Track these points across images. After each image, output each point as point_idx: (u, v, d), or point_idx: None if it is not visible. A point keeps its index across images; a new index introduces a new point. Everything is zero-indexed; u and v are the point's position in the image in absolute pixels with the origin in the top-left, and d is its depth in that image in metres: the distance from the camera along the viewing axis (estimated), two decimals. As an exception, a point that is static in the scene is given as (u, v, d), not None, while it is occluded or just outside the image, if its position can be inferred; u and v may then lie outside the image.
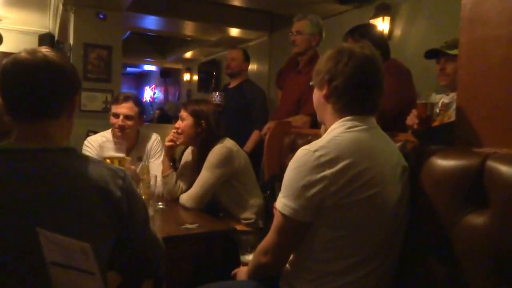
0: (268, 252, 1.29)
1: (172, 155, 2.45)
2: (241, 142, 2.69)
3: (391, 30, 3.84)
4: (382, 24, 3.84)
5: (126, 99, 2.40)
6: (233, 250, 2.10)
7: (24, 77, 1.03)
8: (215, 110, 2.38)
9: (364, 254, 1.23)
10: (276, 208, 1.27)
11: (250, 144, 3.36)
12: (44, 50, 1.08)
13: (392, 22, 3.85)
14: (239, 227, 2.18)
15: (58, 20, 5.70)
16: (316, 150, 1.20)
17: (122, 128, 2.37)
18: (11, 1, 5.98)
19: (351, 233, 1.22)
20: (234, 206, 2.29)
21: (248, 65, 3.77)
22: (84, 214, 1.04)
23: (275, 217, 1.29)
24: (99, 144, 2.23)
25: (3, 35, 7.45)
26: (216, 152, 2.23)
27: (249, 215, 2.28)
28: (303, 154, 1.22)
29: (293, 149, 2.14)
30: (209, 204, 2.27)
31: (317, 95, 1.37)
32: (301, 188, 1.19)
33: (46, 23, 6.89)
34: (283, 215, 1.23)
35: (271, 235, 1.29)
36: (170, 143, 2.35)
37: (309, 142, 1.74)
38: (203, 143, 2.29)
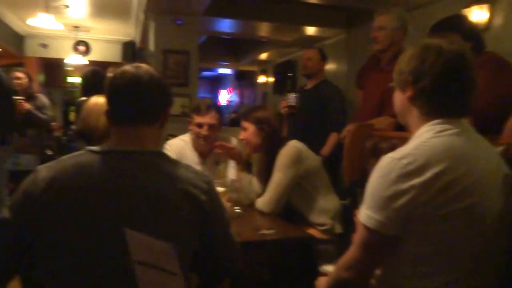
0: (351, 268, 1.21)
1: (246, 160, 2.43)
2: (318, 146, 2.60)
3: (490, 19, 3.44)
4: (479, 13, 3.45)
5: (209, 108, 2.42)
6: (310, 257, 2.03)
7: (131, 88, 1.14)
8: (275, 114, 2.35)
9: (461, 271, 1.12)
10: (358, 218, 1.19)
11: (328, 147, 3.25)
12: (145, 66, 1.19)
13: (491, 10, 3.45)
14: (315, 233, 2.11)
15: (140, 28, 5.98)
16: (402, 158, 1.11)
17: (206, 138, 2.40)
18: (98, 13, 6.40)
19: (445, 248, 1.11)
20: (308, 210, 2.23)
21: (325, 65, 3.66)
22: (171, 214, 1.08)
23: (358, 230, 1.20)
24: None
25: (91, 44, 8.02)
26: (285, 153, 2.20)
27: (324, 220, 2.20)
28: (388, 162, 1.13)
29: (376, 154, 2.01)
30: (284, 209, 2.22)
31: (400, 97, 1.28)
32: (386, 199, 1.10)
33: (129, 31, 7.29)
34: (366, 228, 1.14)
35: (354, 249, 1.21)
36: (225, 151, 2.38)
37: (393, 145, 1.61)
38: (269, 147, 2.26)
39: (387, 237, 1.12)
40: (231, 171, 2.40)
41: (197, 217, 1.12)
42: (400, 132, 1.92)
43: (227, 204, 1.93)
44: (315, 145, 2.35)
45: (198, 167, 2.43)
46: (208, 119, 2.39)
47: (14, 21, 6.80)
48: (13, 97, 3.85)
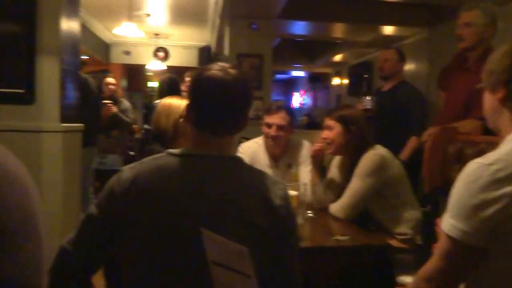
0: (432, 280, 1.13)
1: (320, 163, 2.38)
2: (395, 150, 2.48)
3: None
4: None
5: (278, 109, 2.41)
6: (386, 267, 1.94)
7: (217, 98, 1.11)
8: (363, 114, 2.24)
9: None
10: (440, 227, 1.11)
11: (406, 151, 3.10)
12: (232, 70, 1.14)
13: None
14: (393, 243, 2.00)
15: (215, 33, 6.15)
16: (492, 164, 1.01)
17: (275, 138, 2.39)
18: (177, 20, 6.68)
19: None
20: (387, 219, 2.12)
21: (403, 66, 3.50)
22: (246, 218, 1.08)
23: (440, 240, 1.12)
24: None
25: (170, 50, 8.38)
26: (367, 160, 2.10)
27: (404, 229, 2.09)
28: (476, 168, 1.04)
29: (460, 159, 1.88)
30: (360, 215, 2.14)
31: (490, 99, 1.18)
32: (473, 208, 1.01)
33: (205, 37, 7.52)
34: (450, 238, 1.06)
35: (436, 260, 1.12)
36: (316, 152, 2.29)
37: (480, 150, 1.49)
38: (354, 150, 2.17)
39: (472, 248, 1.03)
40: (305, 174, 2.37)
41: (272, 222, 1.11)
42: (488, 137, 1.77)
43: (299, 208, 1.91)
44: (393, 150, 2.23)
45: (270, 170, 2.43)
46: (277, 119, 2.38)
47: (101, 31, 7.31)
48: (101, 100, 4.14)
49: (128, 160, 4.93)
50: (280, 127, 2.38)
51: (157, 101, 4.12)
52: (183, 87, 4.70)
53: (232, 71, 1.14)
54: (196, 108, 1.14)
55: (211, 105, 1.12)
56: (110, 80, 4.67)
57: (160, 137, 2.02)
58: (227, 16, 4.92)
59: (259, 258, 1.06)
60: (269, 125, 2.41)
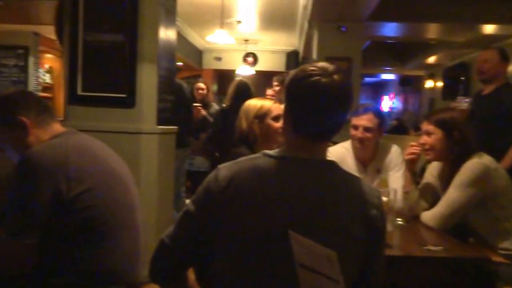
0: None
1: (413, 169, 2.27)
2: (495, 157, 2.29)
3: None
4: None
5: (366, 111, 2.34)
6: (484, 281, 1.79)
7: (320, 100, 1.08)
8: (465, 118, 2.08)
9: None
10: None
11: (508, 159, 2.85)
12: (337, 75, 1.08)
13: None
14: (495, 258, 1.84)
15: (303, 37, 6.16)
16: None
17: (361, 140, 2.33)
18: (266, 26, 6.81)
19: None
20: (489, 232, 1.95)
21: (507, 67, 3.22)
22: (338, 224, 1.06)
23: None
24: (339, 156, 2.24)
25: (258, 55, 8.56)
26: (469, 169, 1.94)
27: (508, 244, 1.91)
28: None
29: None
30: (457, 226, 2.00)
31: None
32: None
33: (293, 41, 7.57)
34: None
35: None
36: (411, 157, 2.18)
37: None
38: (456, 158, 2.02)
39: None
40: (395, 180, 2.28)
41: (367, 231, 1.08)
42: None
43: (388, 215, 1.84)
44: (493, 157, 2.06)
45: (358, 175, 2.36)
46: (363, 121, 2.31)
47: (195, 38, 7.69)
48: (193, 104, 4.35)
49: (215, 162, 5.10)
50: (367, 129, 2.31)
51: (224, 105, 4.25)
52: (271, 91, 4.78)
53: (336, 76, 1.08)
54: (297, 113, 1.11)
55: (314, 111, 1.09)
56: (200, 85, 4.89)
57: (244, 139, 2.06)
58: (316, 20, 4.91)
59: (348, 264, 1.04)
60: (356, 127, 2.35)
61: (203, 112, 4.61)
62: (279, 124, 2.05)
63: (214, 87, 9.20)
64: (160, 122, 2.92)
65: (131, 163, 1.70)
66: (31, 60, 7.06)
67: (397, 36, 6.37)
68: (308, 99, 1.09)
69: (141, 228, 1.60)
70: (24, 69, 7.06)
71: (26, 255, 1.35)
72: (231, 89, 4.16)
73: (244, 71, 8.23)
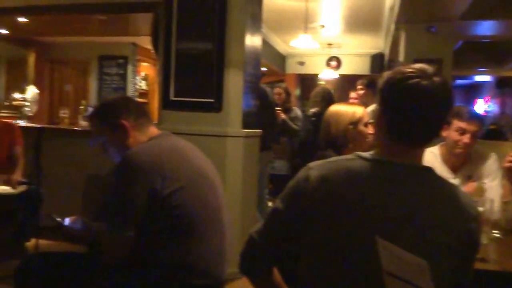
0: None
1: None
2: None
3: None
4: None
5: (473, 115, 2.23)
6: None
7: (422, 106, 1.03)
8: None
9: None
10: None
11: None
12: (437, 78, 1.05)
13: None
14: None
15: (389, 39, 5.97)
16: None
17: (467, 146, 2.21)
18: (350, 29, 6.70)
19: None
20: None
21: None
22: (432, 233, 1.01)
23: None
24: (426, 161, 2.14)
25: (342, 59, 8.44)
26: None
27: None
28: None
29: None
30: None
31: None
32: None
33: (378, 44, 7.36)
34: None
35: None
36: (510, 165, 2.02)
37: None
38: None
39: None
40: (491, 189, 2.13)
41: (462, 242, 1.03)
42: None
43: (483, 226, 1.72)
44: None
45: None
46: (473, 126, 2.19)
47: (278, 44, 7.79)
48: (275, 108, 4.41)
49: (295, 167, 5.11)
50: (474, 135, 2.20)
51: (313, 110, 4.23)
52: (354, 95, 4.69)
53: (436, 78, 1.04)
54: (393, 118, 1.07)
55: (413, 116, 1.04)
56: (276, 90, 4.94)
57: (331, 143, 2.07)
58: (403, 21, 4.73)
59: (439, 276, 1.00)
60: (462, 131, 2.23)
61: (283, 116, 4.65)
62: (370, 130, 2.04)
63: (297, 92, 9.23)
64: (245, 125, 3.01)
65: (217, 164, 1.78)
66: (129, 68, 7.66)
67: (493, 34, 5.91)
68: (406, 103, 1.04)
69: (227, 227, 1.66)
70: (123, 77, 7.68)
71: (124, 247, 1.47)
72: (318, 95, 4.16)
73: (327, 75, 8.16)
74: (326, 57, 8.35)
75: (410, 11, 4.39)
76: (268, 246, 1.19)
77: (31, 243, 3.34)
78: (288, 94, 4.96)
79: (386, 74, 1.10)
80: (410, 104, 1.04)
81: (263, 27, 3.44)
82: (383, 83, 1.09)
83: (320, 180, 1.08)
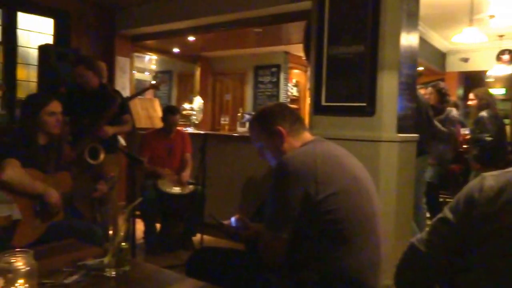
0: None
1: None
2: None
3: None
4: None
5: None
6: None
7: None
8: None
9: None
10: None
11: None
12: None
13: None
14: None
15: None
16: None
17: None
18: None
19: None
20: None
21: None
22: None
23: None
24: None
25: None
26: None
27: None
28: None
29: None
30: None
31: None
32: None
33: None
34: None
35: None
36: None
37: None
38: None
39: None
40: None
41: None
42: None
43: None
44: None
45: None
46: None
47: (437, 40, 7.23)
48: (431, 110, 4.09)
49: (445, 174, 4.64)
50: None
51: (483, 114, 3.80)
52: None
53: None
54: None
55: None
56: (429, 90, 4.59)
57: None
58: None
59: None
60: None
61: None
62: None
63: (459, 91, 8.42)
64: (400, 129, 2.86)
65: (370, 171, 1.72)
66: (282, 76, 8.00)
67: None
68: None
69: (382, 237, 1.60)
70: (276, 84, 8.05)
71: (279, 249, 1.52)
72: (489, 95, 3.78)
73: (498, 71, 7.26)
74: (496, 51, 7.43)
75: None
76: (433, 257, 1.11)
77: (196, 238, 3.72)
78: (441, 94, 4.55)
79: None
80: None
81: (419, 25, 3.22)
82: None
83: (496, 191, 0.99)
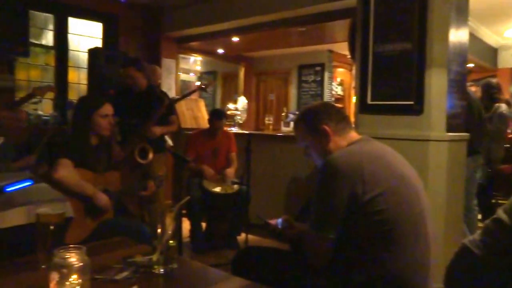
0: None
1: None
2: None
3: None
4: None
5: None
6: None
7: None
8: None
9: None
10: None
11: None
12: None
13: None
14: None
15: None
16: None
17: None
18: None
19: None
20: None
21: None
22: None
23: None
24: None
25: None
26: None
27: None
28: None
29: None
30: None
31: None
32: None
33: None
34: None
35: None
36: None
37: None
38: None
39: None
40: None
41: None
42: None
43: None
44: None
45: None
46: None
47: (488, 36, 6.93)
48: (481, 108, 3.92)
49: (491, 176, 4.41)
50: None
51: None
52: None
53: None
54: None
55: None
56: (474, 88, 4.40)
57: None
58: None
59: None
60: None
61: None
62: None
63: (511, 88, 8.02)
64: (450, 128, 2.77)
65: (419, 171, 1.68)
66: (326, 75, 7.92)
67: None
68: None
69: (432, 238, 1.56)
70: (320, 83, 7.99)
71: (325, 249, 1.50)
72: None
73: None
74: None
75: None
76: (489, 260, 1.09)
77: (241, 237, 3.76)
78: (488, 91, 4.33)
79: None
80: None
81: (469, 20, 3.10)
82: None
83: None
